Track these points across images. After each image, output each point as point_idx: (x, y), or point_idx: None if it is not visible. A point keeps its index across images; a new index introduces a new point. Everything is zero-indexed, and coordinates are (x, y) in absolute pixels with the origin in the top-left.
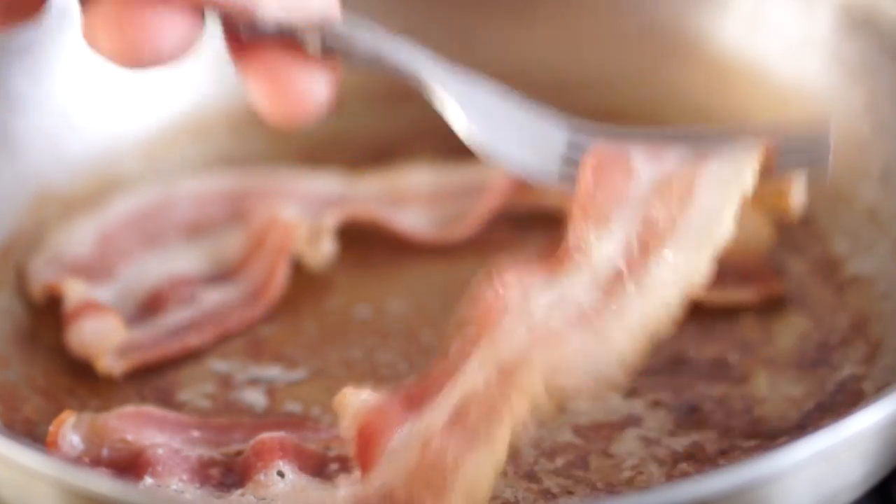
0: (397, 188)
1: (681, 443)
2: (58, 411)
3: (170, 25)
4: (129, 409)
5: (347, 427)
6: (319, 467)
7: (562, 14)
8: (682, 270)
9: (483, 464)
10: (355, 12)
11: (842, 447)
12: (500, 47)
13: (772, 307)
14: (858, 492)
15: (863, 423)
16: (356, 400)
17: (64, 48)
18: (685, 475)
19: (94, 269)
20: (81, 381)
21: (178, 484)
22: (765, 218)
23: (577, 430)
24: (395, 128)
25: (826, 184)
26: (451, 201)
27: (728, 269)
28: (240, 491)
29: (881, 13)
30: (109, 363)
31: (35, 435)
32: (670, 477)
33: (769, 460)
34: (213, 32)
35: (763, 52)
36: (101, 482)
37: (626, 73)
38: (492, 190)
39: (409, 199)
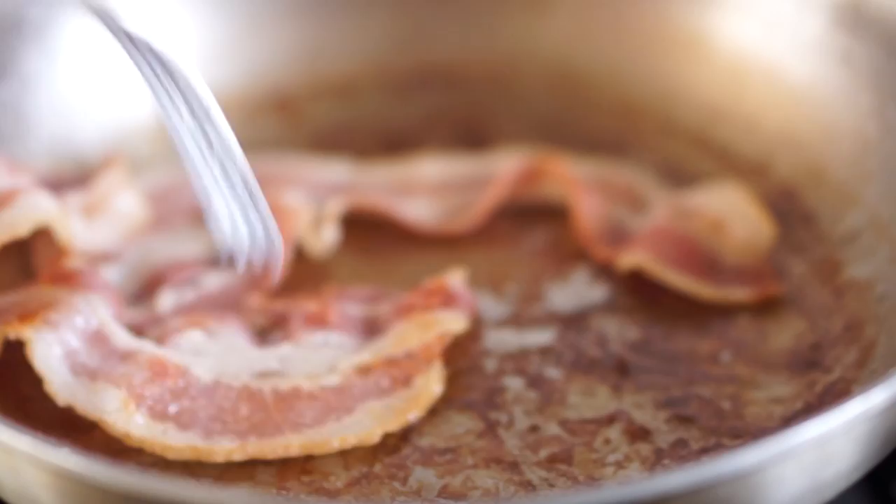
0: (404, 178)
1: (666, 440)
2: None
3: None
4: None
5: None
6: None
7: (577, 10)
8: None
9: None
10: (371, 7)
11: (808, 446)
12: (516, 40)
13: (768, 307)
14: (834, 490)
15: (830, 424)
16: None
17: (77, 29)
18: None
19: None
20: None
21: None
22: (766, 217)
23: (564, 424)
24: (406, 117)
25: (830, 185)
26: (456, 193)
27: (727, 268)
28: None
29: (890, 15)
30: None
31: (28, 411)
32: (652, 473)
33: (737, 457)
34: (223, 22)
35: (774, 53)
36: (71, 459)
37: (640, 69)
38: (497, 183)
39: (415, 189)
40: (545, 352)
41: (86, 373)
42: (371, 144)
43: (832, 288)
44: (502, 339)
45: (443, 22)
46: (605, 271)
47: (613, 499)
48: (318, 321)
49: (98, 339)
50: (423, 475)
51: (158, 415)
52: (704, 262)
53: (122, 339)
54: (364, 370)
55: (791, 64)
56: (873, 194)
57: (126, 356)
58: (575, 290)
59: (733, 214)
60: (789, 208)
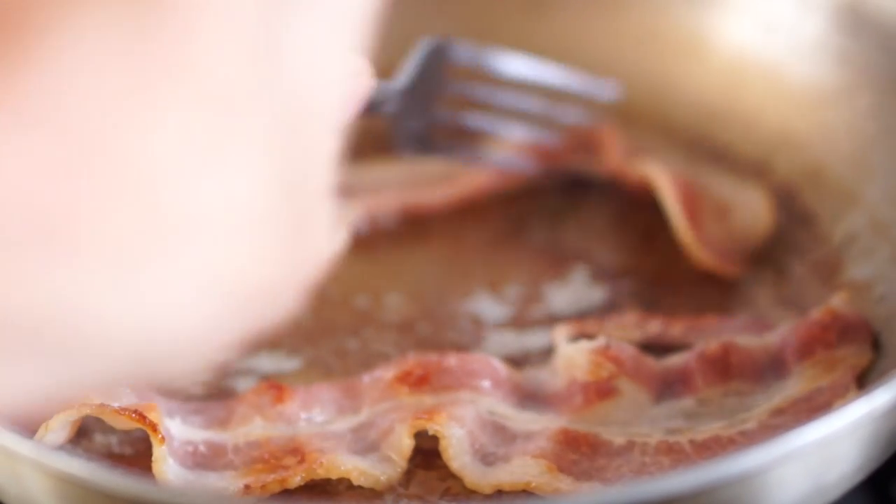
0: (407, 174)
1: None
2: None
3: None
4: None
5: None
6: None
7: (574, 10)
8: None
9: None
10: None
11: (812, 448)
12: (513, 41)
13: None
14: (838, 492)
15: (834, 426)
16: None
17: None
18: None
19: None
20: None
21: None
22: (766, 200)
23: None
24: None
25: (830, 186)
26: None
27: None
28: None
29: (889, 15)
30: None
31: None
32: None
33: (740, 459)
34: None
35: (773, 54)
36: (74, 464)
37: (638, 71)
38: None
39: (419, 181)
40: (547, 353)
41: (497, 458)
42: (369, 147)
43: (832, 288)
44: (504, 341)
45: (437, 22)
46: (604, 273)
47: (615, 500)
48: (721, 373)
49: (495, 427)
50: (426, 478)
51: (583, 475)
52: (706, 214)
53: (518, 420)
54: (777, 412)
55: (790, 64)
56: (873, 194)
57: (528, 435)
58: (574, 292)
59: (742, 206)
60: (788, 209)
